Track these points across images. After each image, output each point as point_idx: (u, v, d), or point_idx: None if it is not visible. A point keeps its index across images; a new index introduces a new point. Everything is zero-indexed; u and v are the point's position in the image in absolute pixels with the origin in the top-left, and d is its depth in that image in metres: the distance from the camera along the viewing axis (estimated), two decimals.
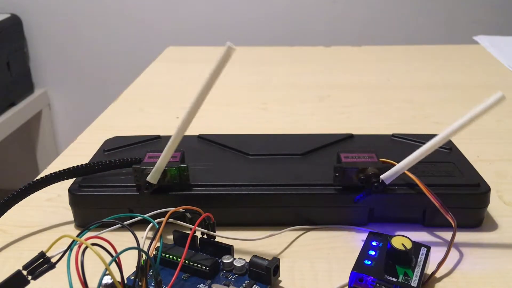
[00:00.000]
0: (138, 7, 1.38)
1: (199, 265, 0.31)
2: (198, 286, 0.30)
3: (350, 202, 0.37)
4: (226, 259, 0.31)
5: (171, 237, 0.34)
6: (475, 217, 0.38)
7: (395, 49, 0.93)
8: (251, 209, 0.38)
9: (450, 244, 0.32)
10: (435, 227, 0.37)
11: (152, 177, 0.36)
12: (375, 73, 0.78)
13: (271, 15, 1.37)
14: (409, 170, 0.36)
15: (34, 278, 0.27)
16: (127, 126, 0.59)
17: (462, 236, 0.36)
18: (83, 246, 0.25)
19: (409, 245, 0.30)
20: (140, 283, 0.27)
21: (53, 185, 0.38)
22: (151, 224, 0.30)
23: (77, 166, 0.39)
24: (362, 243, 0.33)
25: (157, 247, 0.29)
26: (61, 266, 0.27)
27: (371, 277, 0.29)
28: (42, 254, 0.27)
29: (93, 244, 0.25)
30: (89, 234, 0.27)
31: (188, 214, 0.33)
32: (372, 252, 0.32)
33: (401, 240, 0.31)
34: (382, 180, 0.36)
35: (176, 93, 0.70)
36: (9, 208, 0.36)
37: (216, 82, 0.32)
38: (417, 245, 0.32)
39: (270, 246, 0.36)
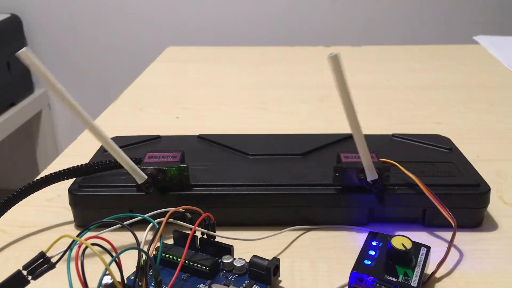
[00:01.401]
0: (138, 7, 1.38)
1: (199, 265, 0.31)
2: (198, 286, 0.30)
3: (350, 202, 0.37)
4: (226, 259, 0.31)
5: (171, 237, 0.34)
6: (475, 217, 0.38)
7: (395, 49, 0.93)
8: (251, 209, 0.38)
9: (450, 244, 0.32)
10: (435, 227, 0.37)
11: (136, 178, 0.36)
12: (375, 73, 0.78)
13: (271, 15, 1.37)
14: (409, 170, 0.36)
15: (34, 278, 0.27)
16: (127, 126, 0.59)
17: (462, 236, 0.36)
18: (83, 246, 0.25)
19: (409, 245, 0.30)
20: (140, 283, 0.27)
21: (53, 185, 0.38)
22: (151, 224, 0.30)
23: (77, 166, 0.39)
24: (362, 243, 0.33)
25: (157, 247, 0.29)
26: (61, 266, 0.27)
27: (371, 277, 0.29)
28: (42, 254, 0.27)
29: (93, 244, 0.25)
30: (89, 234, 0.27)
31: (188, 214, 0.33)
32: (372, 252, 0.32)
33: (401, 240, 0.31)
34: (371, 180, 0.36)
35: (176, 93, 0.70)
36: (9, 208, 0.36)
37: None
38: (417, 245, 0.32)
39: (270, 246, 0.36)
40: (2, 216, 0.35)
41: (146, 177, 0.36)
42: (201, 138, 0.47)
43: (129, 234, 0.27)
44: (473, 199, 0.37)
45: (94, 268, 0.26)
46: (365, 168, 0.35)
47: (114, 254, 0.26)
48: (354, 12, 1.36)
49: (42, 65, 0.31)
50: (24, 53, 0.30)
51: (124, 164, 0.35)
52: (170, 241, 0.34)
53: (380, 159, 0.38)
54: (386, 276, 0.29)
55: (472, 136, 0.55)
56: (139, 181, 0.36)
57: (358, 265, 0.30)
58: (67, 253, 0.25)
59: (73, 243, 0.26)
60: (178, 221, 0.33)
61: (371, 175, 0.35)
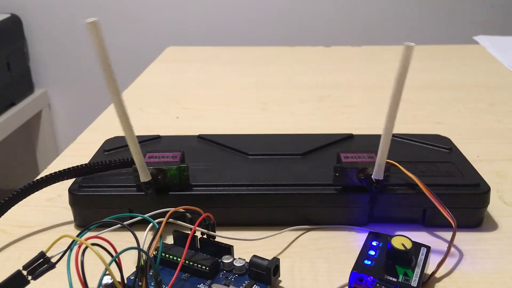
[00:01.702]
0: (138, 7, 1.38)
1: (199, 265, 0.31)
2: (198, 286, 0.30)
3: (350, 202, 0.37)
4: (226, 259, 0.31)
5: (171, 237, 0.34)
6: (475, 217, 0.38)
7: (395, 49, 0.92)
8: (251, 209, 0.38)
9: (450, 244, 0.32)
10: (435, 227, 0.37)
11: (142, 175, 0.36)
12: (375, 73, 0.78)
13: (271, 15, 1.37)
14: (409, 170, 0.36)
15: (34, 278, 0.27)
16: None
17: (462, 236, 0.36)
18: (83, 246, 0.25)
19: (409, 245, 0.30)
20: (140, 283, 0.27)
21: (53, 185, 0.38)
22: (151, 224, 0.30)
23: (77, 166, 0.39)
24: (362, 243, 0.33)
25: (157, 247, 0.29)
26: (61, 266, 0.27)
27: (371, 277, 0.29)
28: (42, 254, 0.27)
29: (93, 244, 0.25)
30: (89, 234, 0.27)
31: (188, 214, 0.33)
32: (372, 252, 0.32)
33: (401, 240, 0.31)
34: (376, 179, 0.36)
35: (176, 93, 0.70)
36: (9, 208, 0.36)
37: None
38: (417, 245, 0.32)
39: (270, 246, 0.36)
40: (2, 216, 0.35)
41: (150, 177, 0.36)
42: (201, 138, 0.47)
43: (129, 234, 0.27)
44: (473, 199, 0.37)
45: (94, 268, 0.26)
46: (376, 165, 0.35)
47: (114, 254, 0.26)
48: (354, 12, 1.36)
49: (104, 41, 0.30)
50: (93, 23, 0.30)
51: (137, 159, 0.35)
52: (170, 241, 0.34)
53: None
54: (386, 276, 0.29)
55: (472, 136, 0.55)
56: (144, 179, 0.36)
57: (358, 265, 0.30)
58: (67, 253, 0.25)
59: (73, 243, 0.26)
60: (178, 221, 0.33)
61: (378, 174, 0.35)
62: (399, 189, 0.37)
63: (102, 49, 0.31)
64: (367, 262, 0.31)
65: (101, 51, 0.31)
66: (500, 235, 0.37)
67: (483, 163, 0.47)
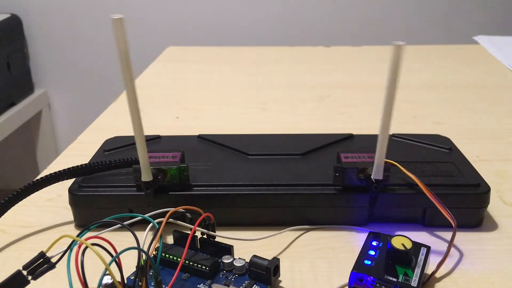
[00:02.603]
0: (138, 7, 1.38)
1: (199, 265, 0.31)
2: (198, 286, 0.30)
3: (350, 202, 0.37)
4: (226, 259, 0.31)
5: (171, 237, 0.34)
6: (475, 217, 0.38)
7: None
8: (251, 209, 0.38)
9: (450, 244, 0.32)
10: (435, 227, 0.37)
11: (144, 175, 0.36)
12: (375, 73, 0.78)
13: (271, 15, 1.37)
14: (409, 170, 0.36)
15: (34, 278, 0.27)
16: (127, 126, 0.58)
17: (462, 236, 0.36)
18: (83, 246, 0.25)
19: (409, 245, 0.30)
20: (140, 283, 0.27)
21: (53, 185, 0.38)
22: (151, 224, 0.30)
23: (77, 166, 0.39)
24: (362, 243, 0.33)
25: (157, 247, 0.29)
26: (61, 266, 0.27)
27: (371, 277, 0.29)
28: (42, 254, 0.27)
29: (93, 244, 0.25)
30: (89, 234, 0.27)
31: (188, 214, 0.33)
32: (372, 252, 0.32)
33: (401, 240, 0.31)
34: (375, 179, 0.36)
35: (176, 93, 0.70)
36: (9, 208, 0.36)
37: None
38: (417, 245, 0.32)
39: (270, 246, 0.36)
40: (2, 216, 0.35)
41: (152, 177, 0.36)
42: (201, 138, 0.47)
43: (129, 234, 0.27)
44: (473, 199, 0.37)
45: (94, 268, 0.26)
46: (375, 165, 0.35)
47: (114, 254, 0.26)
48: (354, 12, 1.36)
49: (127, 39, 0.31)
50: (119, 20, 0.30)
51: (142, 158, 0.35)
52: (170, 241, 0.34)
53: None
54: (386, 276, 0.29)
55: (472, 136, 0.55)
56: (146, 179, 0.36)
57: (358, 265, 0.31)
58: (67, 253, 0.25)
59: (73, 243, 0.26)
60: (178, 221, 0.33)
61: (377, 173, 0.35)
62: (399, 189, 0.37)
63: (124, 45, 0.32)
64: (367, 262, 0.31)
65: (122, 48, 0.32)
66: (500, 235, 0.37)
67: (483, 163, 0.47)
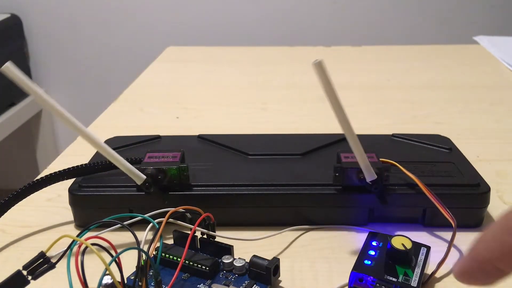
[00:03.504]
0: (138, 7, 1.38)
1: (199, 265, 0.31)
2: (198, 286, 0.30)
3: (350, 202, 0.37)
4: (226, 259, 0.31)
5: (171, 237, 0.34)
6: (475, 217, 0.38)
7: (395, 49, 0.93)
8: (251, 209, 0.38)
9: (450, 244, 0.32)
10: (435, 227, 0.37)
11: (135, 179, 0.36)
12: (375, 73, 0.78)
13: (271, 15, 1.37)
14: (409, 170, 0.36)
15: (34, 278, 0.27)
16: (127, 126, 0.59)
17: (462, 236, 0.36)
18: (83, 246, 0.25)
19: (409, 245, 0.30)
20: (140, 283, 0.27)
21: (53, 185, 0.38)
22: (151, 224, 0.30)
23: (77, 166, 0.39)
24: (362, 243, 0.33)
25: (157, 247, 0.29)
26: (61, 266, 0.27)
27: (371, 277, 0.29)
28: (42, 254, 0.27)
29: (93, 244, 0.25)
30: (89, 234, 0.27)
31: (188, 214, 0.33)
32: (372, 252, 0.32)
33: (401, 240, 0.31)
34: (371, 181, 0.36)
35: (176, 93, 0.70)
36: (9, 208, 0.36)
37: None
38: (417, 245, 0.32)
39: (270, 246, 0.36)
40: (2, 216, 0.35)
41: (145, 177, 0.36)
42: (201, 138, 0.47)
43: (129, 234, 0.27)
44: (473, 199, 0.37)
45: (94, 268, 0.26)
46: (363, 169, 0.35)
47: (114, 254, 0.26)
48: (354, 12, 1.36)
49: (26, 78, 0.31)
50: (8, 68, 0.30)
51: (121, 167, 0.35)
52: (170, 241, 0.34)
53: (380, 159, 0.38)
54: (386, 276, 0.29)
55: (472, 136, 0.55)
56: (138, 182, 0.36)
57: (358, 265, 0.30)
58: (67, 253, 0.25)
59: (73, 243, 0.26)
60: (178, 221, 0.33)
61: (369, 175, 0.35)
62: (399, 189, 0.37)
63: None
64: (367, 262, 0.31)
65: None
66: None
67: (483, 163, 0.47)
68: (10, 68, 0.30)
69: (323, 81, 0.31)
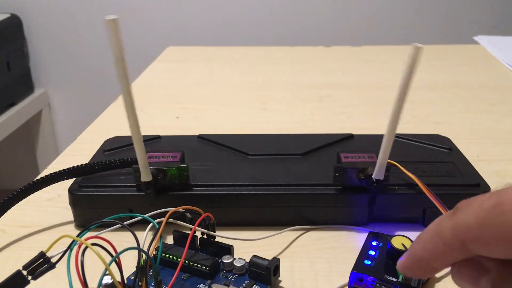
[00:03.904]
0: (138, 7, 1.38)
1: (199, 265, 0.31)
2: (198, 286, 0.30)
3: (350, 202, 0.37)
4: (226, 259, 0.31)
5: (171, 237, 0.34)
6: None
7: (395, 49, 0.93)
8: (251, 209, 0.38)
9: None
10: None
11: (144, 175, 0.36)
12: (375, 73, 0.78)
13: (271, 15, 1.37)
14: (409, 170, 0.36)
15: (34, 278, 0.27)
16: (127, 126, 0.59)
17: None
18: (83, 246, 0.25)
19: (409, 245, 0.30)
20: (140, 283, 0.27)
21: (53, 185, 0.38)
22: (151, 224, 0.30)
23: (77, 166, 0.39)
24: (362, 243, 0.33)
25: (157, 247, 0.29)
26: (61, 266, 0.27)
27: (371, 277, 0.29)
28: (42, 254, 0.27)
29: (93, 244, 0.25)
30: (89, 234, 0.27)
31: (188, 214, 0.33)
32: (372, 252, 0.32)
33: (401, 240, 0.31)
34: (376, 179, 0.36)
35: (176, 93, 0.70)
36: (9, 208, 0.36)
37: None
38: None
39: (270, 246, 0.36)
40: (2, 216, 0.35)
41: (152, 178, 0.36)
42: (201, 138, 0.47)
43: (129, 234, 0.27)
44: None
45: (94, 268, 0.26)
46: (378, 166, 0.35)
47: (114, 254, 0.26)
48: (354, 12, 1.36)
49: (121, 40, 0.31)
50: (113, 21, 0.30)
51: (141, 158, 0.35)
52: (170, 241, 0.34)
53: None
54: (386, 276, 0.29)
55: (472, 136, 0.55)
56: (146, 179, 0.36)
57: (358, 265, 0.31)
58: (67, 253, 0.25)
59: (73, 243, 0.26)
60: (178, 221, 0.33)
61: (379, 174, 0.35)
62: (399, 189, 0.37)
63: (119, 47, 0.32)
64: (367, 262, 0.31)
65: (117, 50, 0.32)
66: None
67: (483, 163, 0.47)
68: (116, 22, 0.30)
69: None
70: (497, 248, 0.20)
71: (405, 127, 0.57)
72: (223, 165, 0.41)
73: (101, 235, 0.27)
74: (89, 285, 0.25)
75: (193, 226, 0.31)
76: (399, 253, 0.30)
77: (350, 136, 0.47)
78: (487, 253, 0.21)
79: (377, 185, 0.36)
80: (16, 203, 0.36)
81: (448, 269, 0.33)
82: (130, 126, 0.34)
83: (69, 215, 0.39)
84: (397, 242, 0.31)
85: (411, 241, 0.31)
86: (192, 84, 0.75)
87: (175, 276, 0.29)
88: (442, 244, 0.22)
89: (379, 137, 0.47)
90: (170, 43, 1.00)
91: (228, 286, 0.30)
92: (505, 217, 0.20)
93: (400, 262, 0.25)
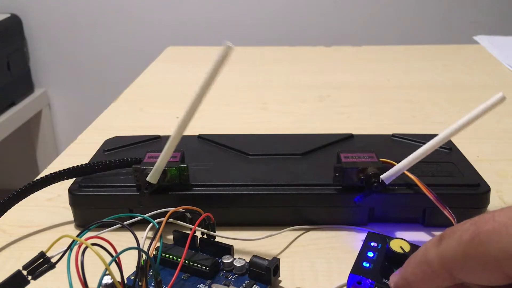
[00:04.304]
0: (138, 7, 1.38)
1: (199, 265, 0.31)
2: (198, 286, 0.30)
3: (350, 202, 0.37)
4: (226, 259, 0.31)
5: (171, 237, 0.34)
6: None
7: (395, 49, 0.93)
8: (251, 209, 0.38)
9: None
10: (435, 227, 0.37)
11: (152, 177, 0.36)
12: (375, 73, 0.78)
13: (271, 15, 1.37)
14: (409, 170, 0.36)
15: (34, 278, 0.27)
16: (127, 126, 0.59)
17: None
18: (83, 246, 0.25)
19: (407, 248, 0.30)
20: (140, 283, 0.27)
21: (53, 185, 0.38)
22: (151, 224, 0.30)
23: (77, 166, 0.39)
24: (361, 243, 0.33)
25: (157, 247, 0.29)
26: (61, 266, 0.27)
27: (370, 280, 0.29)
28: (42, 254, 0.27)
29: (93, 244, 0.25)
30: (89, 234, 0.27)
31: (188, 214, 0.33)
32: (371, 254, 0.31)
33: (400, 243, 0.31)
34: (382, 180, 0.36)
35: (176, 93, 0.70)
36: (9, 208, 0.36)
37: (214, 82, 0.32)
38: (415, 248, 0.32)
39: (270, 246, 0.36)
40: (2, 216, 0.35)
41: (157, 182, 0.36)
42: (201, 138, 0.47)
43: (129, 234, 0.27)
44: (473, 199, 0.37)
45: (94, 268, 0.26)
46: (395, 171, 0.35)
47: (114, 254, 0.26)
48: (354, 12, 1.36)
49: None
50: (230, 48, 0.31)
51: (162, 161, 0.35)
52: (170, 241, 0.34)
53: (380, 159, 0.38)
54: (384, 279, 0.29)
55: (472, 136, 0.55)
56: (152, 181, 0.36)
57: (357, 267, 0.30)
58: (67, 253, 0.25)
59: (73, 243, 0.26)
60: (178, 221, 0.33)
61: (389, 178, 0.36)
62: (399, 189, 0.37)
63: (216, 74, 0.33)
64: (366, 264, 0.31)
65: (213, 75, 0.33)
66: None
67: (483, 163, 0.47)
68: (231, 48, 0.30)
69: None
70: (480, 276, 0.22)
71: (405, 127, 0.57)
72: (223, 165, 0.41)
73: (101, 235, 0.27)
74: (89, 285, 0.25)
75: (193, 226, 0.31)
76: (397, 256, 0.30)
77: (350, 136, 0.47)
78: (472, 280, 0.22)
79: (377, 185, 0.36)
80: (16, 203, 0.36)
81: None
82: (179, 127, 0.33)
83: (69, 215, 0.39)
84: (395, 245, 0.31)
85: (410, 244, 0.31)
86: (192, 84, 0.74)
87: (175, 276, 0.29)
88: (430, 271, 0.23)
89: (379, 137, 0.47)
90: (170, 43, 1.00)
91: (228, 286, 0.30)
92: (483, 248, 0.21)
93: (393, 282, 0.26)
